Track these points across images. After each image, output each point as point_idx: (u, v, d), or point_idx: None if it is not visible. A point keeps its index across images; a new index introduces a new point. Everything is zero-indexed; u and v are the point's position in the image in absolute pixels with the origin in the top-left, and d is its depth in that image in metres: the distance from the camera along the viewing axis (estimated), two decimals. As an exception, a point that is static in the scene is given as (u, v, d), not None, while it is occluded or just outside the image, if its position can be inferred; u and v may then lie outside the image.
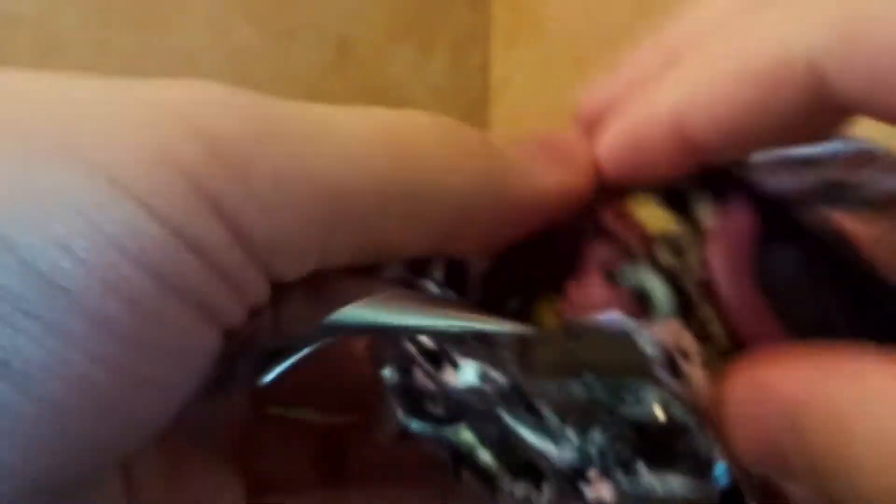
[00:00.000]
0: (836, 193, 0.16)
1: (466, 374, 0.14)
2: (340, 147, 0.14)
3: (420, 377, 0.15)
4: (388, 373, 0.16)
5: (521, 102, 0.74)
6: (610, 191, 0.17)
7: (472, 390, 0.14)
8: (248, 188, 0.13)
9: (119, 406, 0.12)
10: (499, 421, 0.14)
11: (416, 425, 0.15)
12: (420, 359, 0.15)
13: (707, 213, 0.16)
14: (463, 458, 0.15)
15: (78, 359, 0.11)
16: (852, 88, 0.13)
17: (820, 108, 0.13)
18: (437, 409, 0.15)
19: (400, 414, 0.16)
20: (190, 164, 0.12)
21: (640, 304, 0.16)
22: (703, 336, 0.15)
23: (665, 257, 0.16)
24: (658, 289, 0.15)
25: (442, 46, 0.73)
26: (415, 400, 0.15)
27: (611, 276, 0.16)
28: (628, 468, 0.13)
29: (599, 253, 0.16)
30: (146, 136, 0.12)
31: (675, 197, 0.17)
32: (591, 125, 0.17)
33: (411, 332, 0.15)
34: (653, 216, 0.17)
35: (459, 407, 0.15)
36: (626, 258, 0.16)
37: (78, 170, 0.12)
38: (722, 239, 0.15)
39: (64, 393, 0.11)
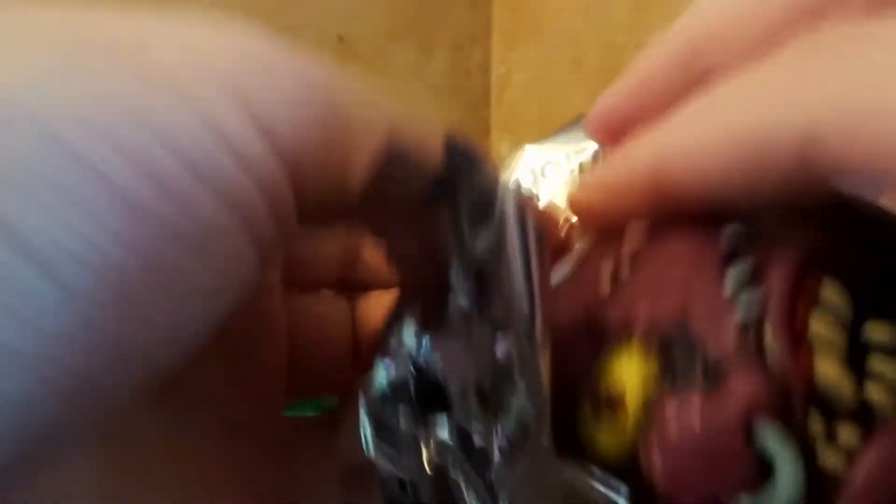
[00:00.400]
0: None
1: (441, 429, 0.14)
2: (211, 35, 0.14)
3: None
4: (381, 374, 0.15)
5: (521, 102, 0.74)
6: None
7: (441, 443, 0.14)
8: (279, 94, 0.13)
9: (150, 305, 0.11)
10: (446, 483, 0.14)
11: (375, 452, 0.15)
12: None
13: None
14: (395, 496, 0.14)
15: (107, 243, 0.11)
16: (851, 154, 0.13)
17: (810, 177, 0.13)
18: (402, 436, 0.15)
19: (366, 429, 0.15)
20: (223, 63, 0.13)
21: (760, 472, 0.12)
22: None
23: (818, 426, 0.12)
24: (788, 465, 0.12)
25: (442, 46, 0.73)
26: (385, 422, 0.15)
27: (747, 429, 0.12)
28: None
29: (750, 388, 0.12)
30: (182, 37, 0.13)
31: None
32: (608, 137, 0.17)
33: None
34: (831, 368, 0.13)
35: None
36: (778, 410, 0.12)
37: (112, 58, 0.12)
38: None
39: (91, 281, 0.11)
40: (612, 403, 0.13)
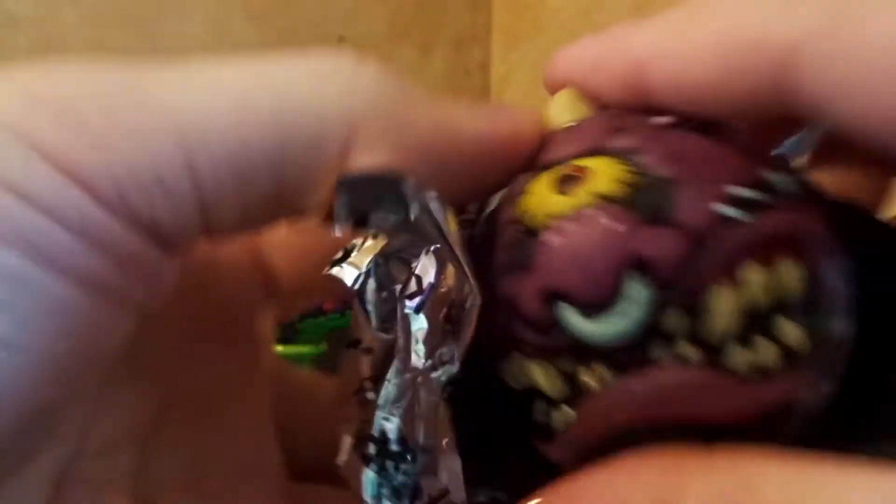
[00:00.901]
0: None
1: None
2: (190, 74, 0.13)
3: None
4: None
5: (521, 102, 0.74)
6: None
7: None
8: (74, 123, 0.12)
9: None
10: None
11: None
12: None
13: None
14: None
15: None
16: (823, 84, 0.13)
17: (779, 101, 0.13)
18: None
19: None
20: (3, 108, 0.12)
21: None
22: None
23: None
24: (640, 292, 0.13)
25: (442, 46, 0.73)
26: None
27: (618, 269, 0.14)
28: None
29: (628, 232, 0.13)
30: None
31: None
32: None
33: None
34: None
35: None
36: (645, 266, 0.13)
37: None
38: None
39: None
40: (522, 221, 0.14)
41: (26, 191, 0.11)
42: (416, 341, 0.15)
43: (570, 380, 0.13)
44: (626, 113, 0.15)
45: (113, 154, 0.12)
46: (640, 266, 0.12)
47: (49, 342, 0.12)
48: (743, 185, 0.13)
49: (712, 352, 0.13)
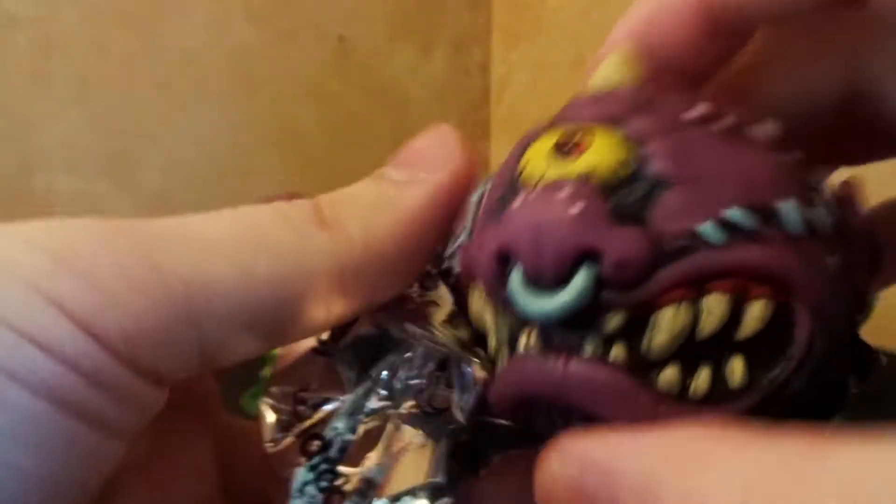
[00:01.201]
0: None
1: None
2: (195, 243, 0.15)
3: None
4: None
5: (521, 102, 0.74)
6: None
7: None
8: (91, 283, 0.13)
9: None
10: None
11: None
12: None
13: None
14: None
15: None
16: None
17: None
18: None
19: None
20: (29, 268, 0.13)
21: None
22: None
23: None
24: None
25: (442, 46, 0.73)
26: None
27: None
28: None
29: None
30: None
31: None
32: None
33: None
34: None
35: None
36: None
37: None
38: None
39: None
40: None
41: (49, 343, 0.13)
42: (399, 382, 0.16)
43: (510, 332, 0.14)
44: (664, 91, 0.14)
45: (124, 311, 0.13)
46: (595, 259, 0.12)
47: (53, 469, 0.13)
48: (742, 206, 0.12)
49: (642, 362, 0.12)
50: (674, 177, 0.13)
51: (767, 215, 0.12)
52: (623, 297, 0.12)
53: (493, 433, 0.15)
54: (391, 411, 0.16)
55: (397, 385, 0.16)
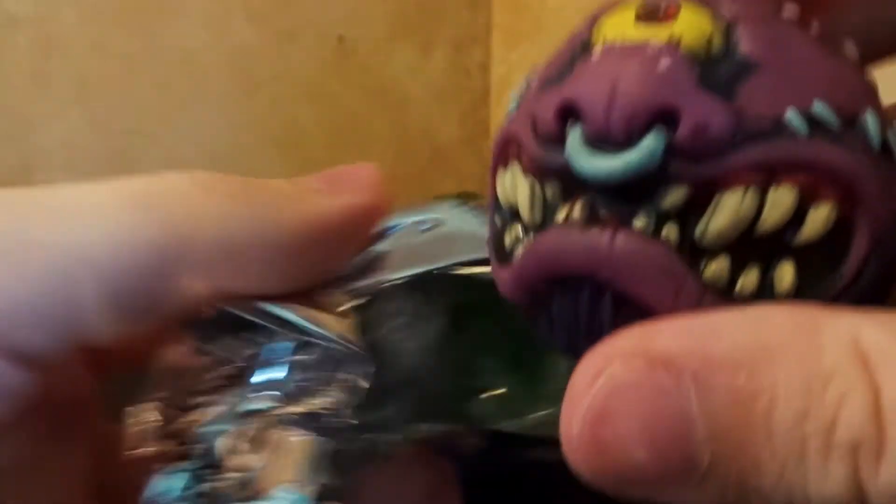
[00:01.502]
0: None
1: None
2: (72, 209, 0.14)
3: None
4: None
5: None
6: None
7: None
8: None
9: None
10: None
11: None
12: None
13: None
14: None
15: None
16: None
17: None
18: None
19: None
20: None
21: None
22: None
23: None
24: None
25: (442, 46, 0.73)
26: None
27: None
28: None
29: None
30: None
31: None
32: None
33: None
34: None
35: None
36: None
37: None
38: None
39: None
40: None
41: None
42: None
43: (547, 209, 0.13)
44: None
45: None
46: (670, 125, 0.11)
47: None
48: (829, 104, 0.12)
49: (692, 248, 0.12)
50: (764, 61, 0.12)
51: (850, 120, 0.12)
52: (691, 169, 0.11)
53: (378, 435, 0.15)
54: (272, 412, 0.15)
55: (279, 385, 0.16)
